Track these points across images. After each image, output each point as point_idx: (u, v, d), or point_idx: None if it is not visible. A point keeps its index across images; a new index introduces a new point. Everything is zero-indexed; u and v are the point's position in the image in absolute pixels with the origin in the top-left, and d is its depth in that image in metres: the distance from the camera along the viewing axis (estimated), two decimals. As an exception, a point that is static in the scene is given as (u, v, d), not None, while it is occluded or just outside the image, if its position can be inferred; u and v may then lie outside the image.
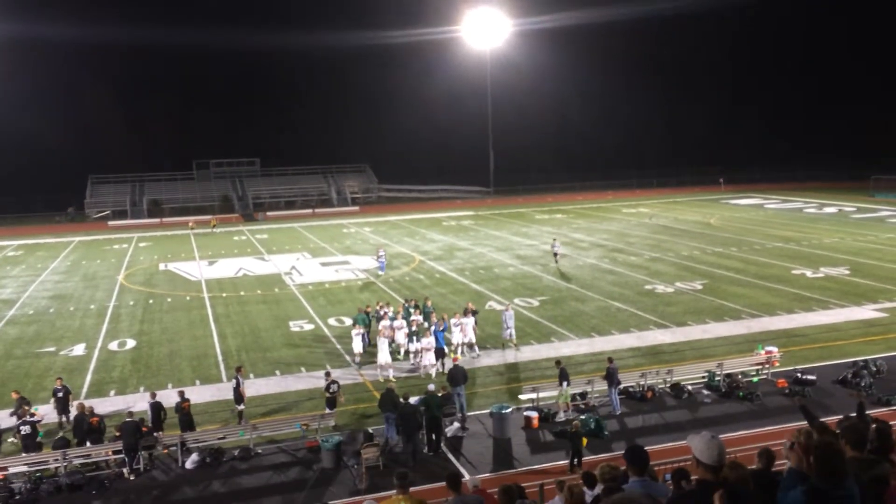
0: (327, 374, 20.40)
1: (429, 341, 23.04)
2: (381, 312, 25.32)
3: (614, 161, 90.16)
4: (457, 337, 24.16)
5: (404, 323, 24.66)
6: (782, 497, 5.45)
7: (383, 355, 22.82)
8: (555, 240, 42.38)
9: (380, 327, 24.12)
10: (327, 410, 19.30)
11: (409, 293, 34.17)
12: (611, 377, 19.62)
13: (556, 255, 40.26)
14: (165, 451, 17.83)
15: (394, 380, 21.84)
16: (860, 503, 5.30)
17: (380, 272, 38.59)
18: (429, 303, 27.03)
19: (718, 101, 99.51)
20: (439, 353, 23.24)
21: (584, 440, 17.00)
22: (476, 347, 24.47)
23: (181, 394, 19.01)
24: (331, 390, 19.43)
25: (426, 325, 24.55)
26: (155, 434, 17.73)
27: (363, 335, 24.44)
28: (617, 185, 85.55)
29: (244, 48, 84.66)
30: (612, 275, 36.77)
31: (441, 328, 23.56)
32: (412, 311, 25.87)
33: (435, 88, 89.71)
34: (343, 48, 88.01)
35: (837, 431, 7.06)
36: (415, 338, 23.76)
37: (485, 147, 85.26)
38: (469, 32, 79.77)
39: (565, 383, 19.67)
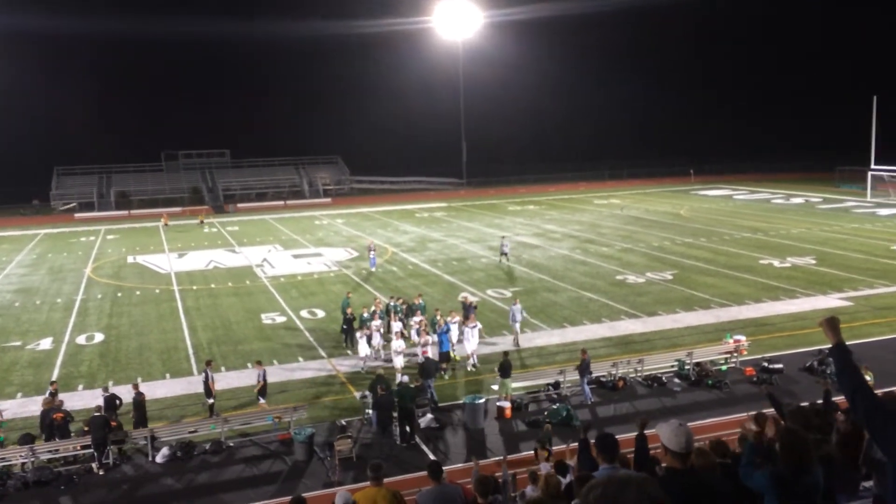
0: (259, 363, 20.58)
1: (427, 340, 21.99)
2: (373, 311, 24.54)
3: (586, 153, 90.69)
4: (456, 336, 22.99)
5: (380, 322, 23.92)
6: (745, 474, 5.55)
7: (363, 348, 22.57)
8: (504, 238, 40.00)
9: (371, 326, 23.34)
10: (260, 400, 19.64)
11: (381, 285, 34.13)
12: (583, 368, 19.80)
13: (504, 255, 37.92)
14: (126, 434, 17.52)
15: (398, 367, 21.50)
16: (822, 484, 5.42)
17: (371, 268, 37.40)
18: (419, 299, 26.25)
19: (689, 93, 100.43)
20: (444, 357, 22.25)
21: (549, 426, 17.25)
22: (475, 356, 22.76)
23: (135, 387, 18.83)
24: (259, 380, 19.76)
25: (415, 323, 23.48)
26: (126, 429, 17.54)
27: (367, 337, 23.12)
28: (589, 176, 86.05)
29: (213, 38, 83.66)
30: (584, 265, 37.02)
31: (444, 330, 22.40)
32: (400, 309, 24.92)
33: (407, 79, 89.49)
34: (314, 38, 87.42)
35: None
36: (397, 336, 22.40)
37: (457, 138, 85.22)
38: (441, 23, 79.53)
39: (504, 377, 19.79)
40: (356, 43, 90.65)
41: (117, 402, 18.31)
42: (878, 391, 7.47)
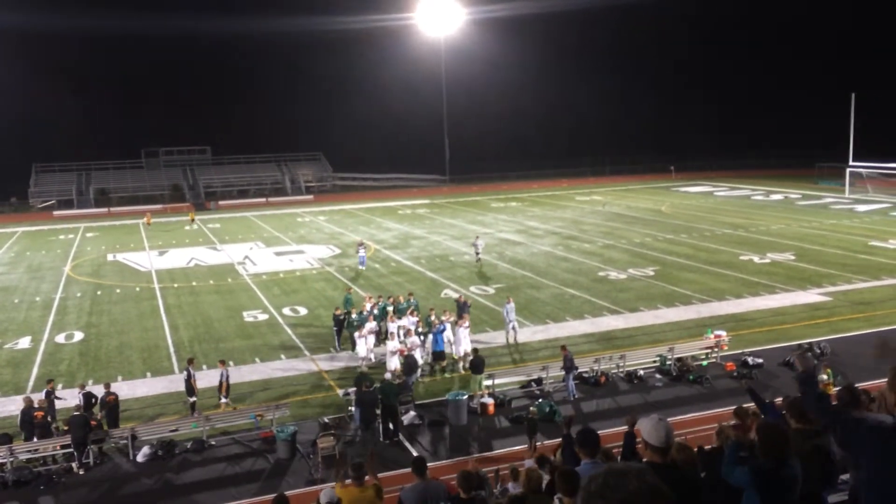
0: (222, 363, 20.34)
1: (413, 341, 21.76)
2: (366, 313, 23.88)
3: (569, 149, 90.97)
4: (451, 337, 22.43)
5: (374, 324, 23.40)
6: (727, 472, 5.61)
7: (362, 349, 22.25)
8: (477, 238, 38.90)
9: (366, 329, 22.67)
10: (222, 400, 19.49)
11: (364, 282, 34.07)
12: (569, 365, 19.85)
13: (477, 255, 37.10)
14: (106, 434, 17.35)
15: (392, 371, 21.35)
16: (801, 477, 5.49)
17: (360, 266, 36.59)
18: (411, 297, 25.90)
19: (670, 91, 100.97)
20: (439, 356, 22.04)
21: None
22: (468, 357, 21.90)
23: (107, 386, 18.67)
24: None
25: (409, 323, 22.97)
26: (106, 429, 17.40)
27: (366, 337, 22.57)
28: (571, 173, 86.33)
29: (194, 34, 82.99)
30: (566, 262, 37.15)
31: (440, 329, 22.05)
32: (389, 308, 24.41)
33: (389, 76, 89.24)
34: (296, 34, 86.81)
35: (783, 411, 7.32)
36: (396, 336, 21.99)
37: (440, 135, 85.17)
38: (423, 20, 79.41)
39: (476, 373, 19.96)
40: (338, 39, 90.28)
41: (92, 400, 18.17)
42: (850, 385, 7.56)
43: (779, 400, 10.42)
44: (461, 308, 24.58)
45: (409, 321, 22.98)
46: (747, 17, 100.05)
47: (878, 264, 34.39)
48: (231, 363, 23.20)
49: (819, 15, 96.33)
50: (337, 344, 24.26)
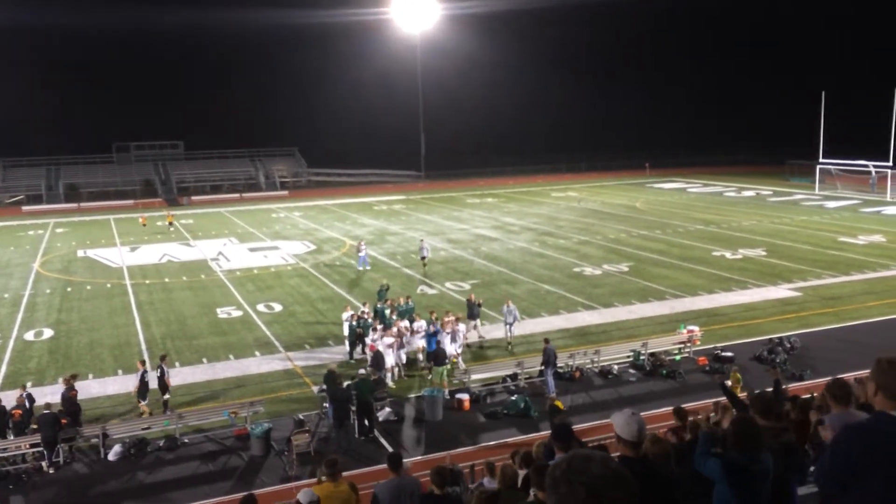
0: (142, 363, 19.48)
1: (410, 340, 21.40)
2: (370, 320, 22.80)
3: (544, 146, 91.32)
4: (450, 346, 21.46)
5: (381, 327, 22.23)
6: (700, 462, 5.67)
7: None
8: (422, 241, 37.09)
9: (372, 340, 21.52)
10: (141, 402, 18.89)
11: (339, 278, 33.93)
12: (547, 359, 19.84)
13: (423, 258, 35.28)
14: (77, 432, 17.11)
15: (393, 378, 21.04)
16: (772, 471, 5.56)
17: (361, 267, 35.28)
18: (409, 300, 25.13)
19: (644, 88, 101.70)
20: (430, 357, 21.04)
21: (560, 404, 17.53)
22: (461, 360, 21.82)
23: (66, 381, 18.28)
24: (144, 379, 18.77)
25: (405, 323, 22.33)
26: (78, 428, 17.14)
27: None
28: (547, 169, 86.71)
29: (167, 26, 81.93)
30: (541, 258, 37.30)
31: (434, 331, 21.40)
32: (387, 311, 23.65)
33: (365, 71, 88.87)
34: (271, 27, 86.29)
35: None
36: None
37: (416, 131, 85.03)
38: (399, 15, 79.17)
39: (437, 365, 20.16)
40: (313, 33, 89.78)
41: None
42: (820, 379, 7.67)
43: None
44: (471, 307, 24.17)
45: (418, 324, 22.18)
46: (720, 15, 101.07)
47: (846, 260, 34.97)
48: (205, 360, 23.05)
49: (790, 14, 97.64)
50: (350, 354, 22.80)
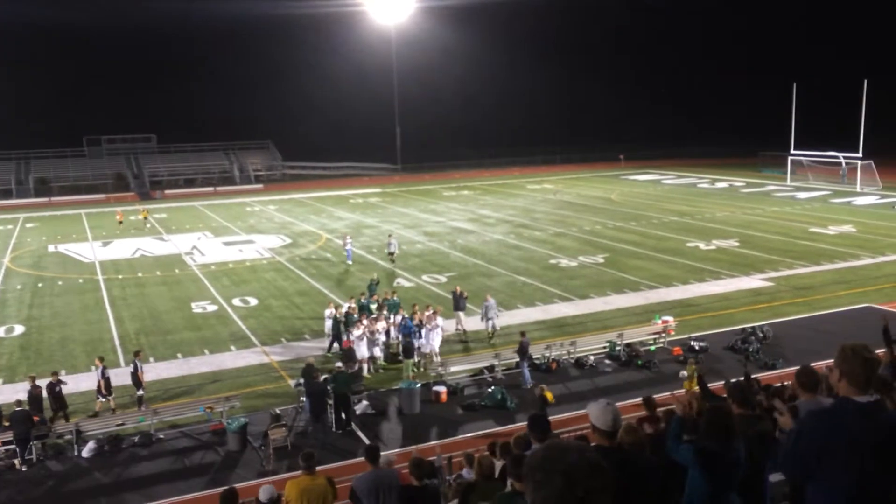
0: (100, 359, 18.96)
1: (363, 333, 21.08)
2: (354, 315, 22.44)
3: (520, 138, 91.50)
4: (431, 341, 21.34)
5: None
6: (673, 448, 5.73)
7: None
8: (390, 236, 36.66)
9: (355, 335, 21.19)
10: (100, 399, 18.41)
11: (315, 272, 33.78)
12: (522, 351, 19.99)
13: (391, 254, 34.92)
14: (49, 429, 16.89)
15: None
16: (745, 458, 5.64)
17: (348, 262, 34.98)
18: (394, 295, 24.88)
19: (618, 80, 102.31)
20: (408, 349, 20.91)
21: (550, 396, 17.59)
22: (437, 355, 21.46)
23: (31, 379, 18.05)
24: (56, 391, 18.05)
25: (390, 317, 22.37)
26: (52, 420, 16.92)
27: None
28: (522, 161, 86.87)
29: (138, 17, 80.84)
30: (518, 250, 37.42)
31: (414, 328, 21.33)
32: (372, 306, 23.52)
33: (340, 63, 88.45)
34: (244, 19, 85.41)
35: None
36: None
37: (391, 124, 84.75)
38: (373, 7, 78.72)
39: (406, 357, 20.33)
40: (287, 24, 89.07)
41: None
42: (791, 368, 7.78)
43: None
44: (457, 300, 24.13)
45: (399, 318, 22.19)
46: (694, 7, 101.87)
47: (817, 250, 35.49)
48: (179, 355, 22.86)
49: (764, 6, 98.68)
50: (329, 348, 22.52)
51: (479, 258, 35.72)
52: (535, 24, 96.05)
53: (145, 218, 50.25)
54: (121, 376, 20.73)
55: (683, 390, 17.97)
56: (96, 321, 26.90)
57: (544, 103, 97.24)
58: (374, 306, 23.63)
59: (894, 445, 3.85)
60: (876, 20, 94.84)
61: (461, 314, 24.21)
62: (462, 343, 23.59)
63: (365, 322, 21.36)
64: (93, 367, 19.44)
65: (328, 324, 22.67)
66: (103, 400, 18.69)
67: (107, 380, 18.62)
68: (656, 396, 17.47)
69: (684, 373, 18.89)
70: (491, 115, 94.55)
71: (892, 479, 3.88)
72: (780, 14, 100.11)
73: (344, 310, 23.11)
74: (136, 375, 18.86)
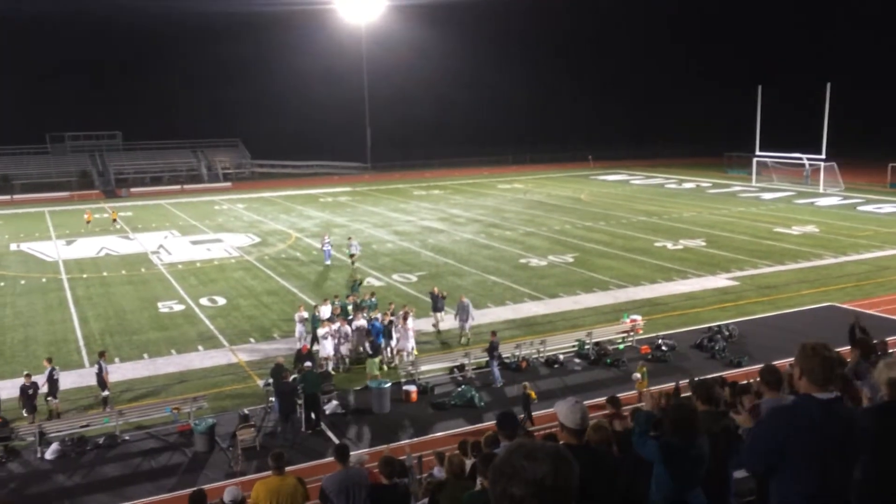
0: (48, 360, 18.66)
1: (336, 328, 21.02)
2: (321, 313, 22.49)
3: (490, 138, 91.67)
4: (405, 341, 21.31)
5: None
6: (639, 443, 5.81)
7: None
8: (350, 238, 35.74)
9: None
10: (51, 401, 18.06)
11: (285, 271, 33.54)
12: (492, 350, 20.06)
13: (351, 255, 33.97)
14: (12, 430, 16.55)
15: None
16: (709, 454, 5.74)
17: (328, 261, 34.56)
18: (373, 296, 24.85)
19: (589, 81, 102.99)
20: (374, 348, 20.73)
21: (533, 394, 17.62)
22: (412, 354, 21.39)
23: (27, 377, 17.78)
24: (29, 393, 17.70)
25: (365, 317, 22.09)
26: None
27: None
28: (493, 161, 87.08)
29: (102, 11, 79.40)
30: (488, 249, 37.53)
31: (380, 329, 21.23)
32: (349, 307, 23.31)
33: (310, 61, 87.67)
34: (212, 15, 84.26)
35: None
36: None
37: (362, 122, 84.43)
38: (343, 6, 78.34)
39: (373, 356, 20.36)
40: (256, 21, 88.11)
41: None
42: (756, 366, 7.93)
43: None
44: (435, 300, 24.12)
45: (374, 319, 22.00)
46: (661, 8, 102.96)
47: (782, 250, 36.12)
48: (145, 355, 22.56)
49: (731, 7, 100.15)
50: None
51: (449, 257, 35.76)
52: (506, 24, 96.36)
53: (115, 220, 49.18)
54: (85, 377, 20.46)
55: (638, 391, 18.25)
56: (60, 321, 26.43)
57: (514, 103, 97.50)
58: (350, 307, 23.50)
59: (853, 439, 4.02)
60: (839, 24, 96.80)
61: (440, 315, 24.26)
62: (437, 342, 23.59)
63: (336, 324, 21.27)
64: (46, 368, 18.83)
65: (299, 328, 22.22)
66: (56, 402, 18.24)
67: (54, 381, 18.16)
68: (624, 395, 17.67)
69: (637, 375, 19.08)
70: (461, 114, 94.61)
71: (851, 472, 4.04)
72: (746, 17, 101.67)
73: (322, 310, 22.87)
74: (100, 376, 18.56)
